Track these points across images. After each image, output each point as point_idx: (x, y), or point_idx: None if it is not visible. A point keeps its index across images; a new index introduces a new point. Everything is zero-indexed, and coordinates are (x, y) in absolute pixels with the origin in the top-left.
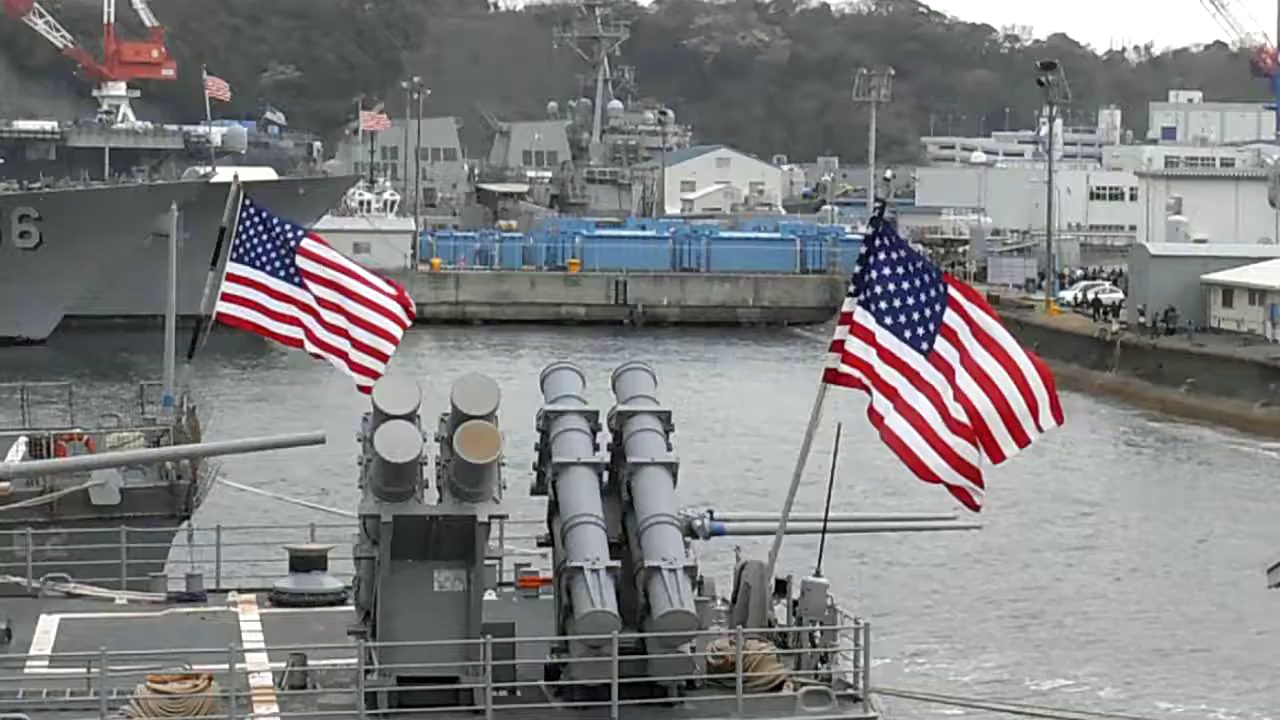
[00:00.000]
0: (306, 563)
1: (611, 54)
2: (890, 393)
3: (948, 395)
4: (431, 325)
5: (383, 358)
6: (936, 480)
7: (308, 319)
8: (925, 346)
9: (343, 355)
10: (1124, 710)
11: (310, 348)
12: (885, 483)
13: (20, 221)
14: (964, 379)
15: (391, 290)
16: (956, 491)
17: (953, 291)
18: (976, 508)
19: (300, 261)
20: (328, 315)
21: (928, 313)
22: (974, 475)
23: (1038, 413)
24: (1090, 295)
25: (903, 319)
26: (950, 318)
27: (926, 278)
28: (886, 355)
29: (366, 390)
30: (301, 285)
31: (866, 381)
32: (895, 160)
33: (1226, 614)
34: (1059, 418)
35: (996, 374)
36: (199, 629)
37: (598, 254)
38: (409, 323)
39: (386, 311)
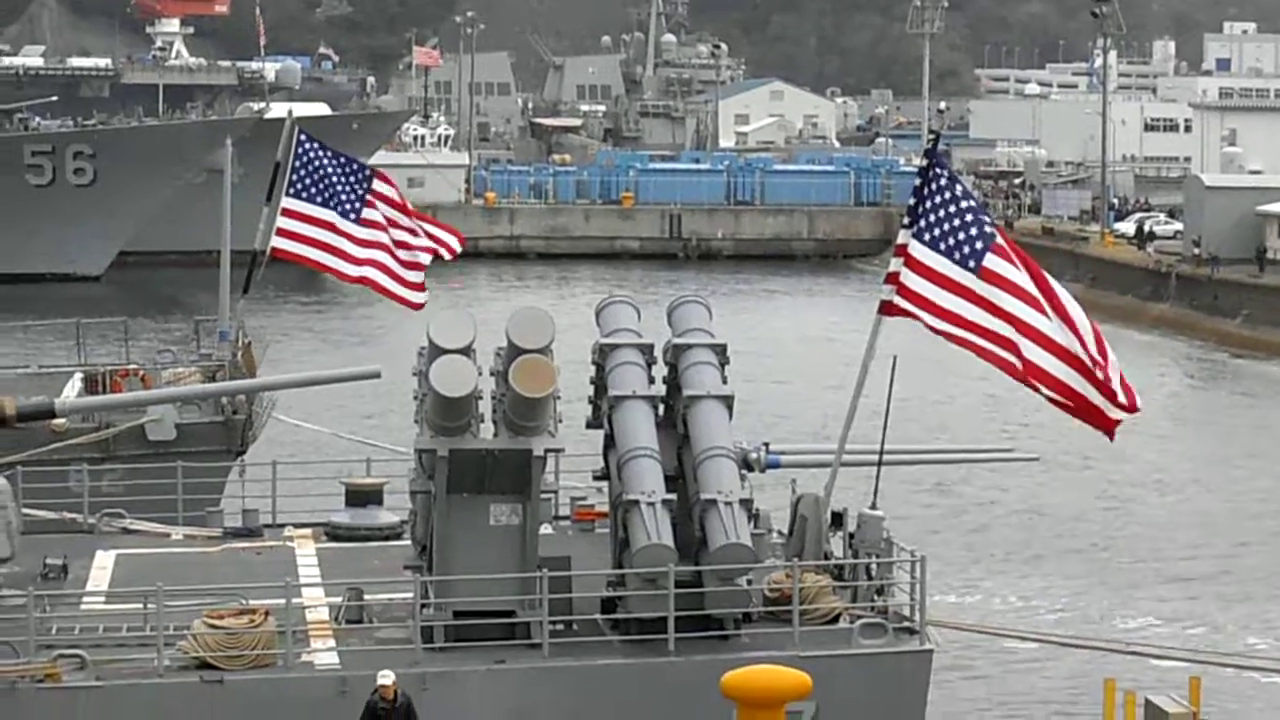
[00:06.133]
0: (362, 497)
1: None
2: (957, 320)
3: (1023, 312)
4: (486, 259)
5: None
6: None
7: (365, 252)
8: (973, 265)
9: (387, 280)
10: (1186, 645)
11: (362, 272)
12: (942, 415)
13: (75, 159)
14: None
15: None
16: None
17: (1000, 240)
18: (1112, 428)
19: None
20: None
21: (977, 231)
22: (1083, 402)
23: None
24: (1146, 226)
25: (952, 241)
26: (992, 260)
27: (978, 213)
28: (949, 284)
29: (417, 306)
30: (358, 220)
31: (924, 313)
32: (949, 93)
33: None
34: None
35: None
36: (255, 564)
37: (651, 188)
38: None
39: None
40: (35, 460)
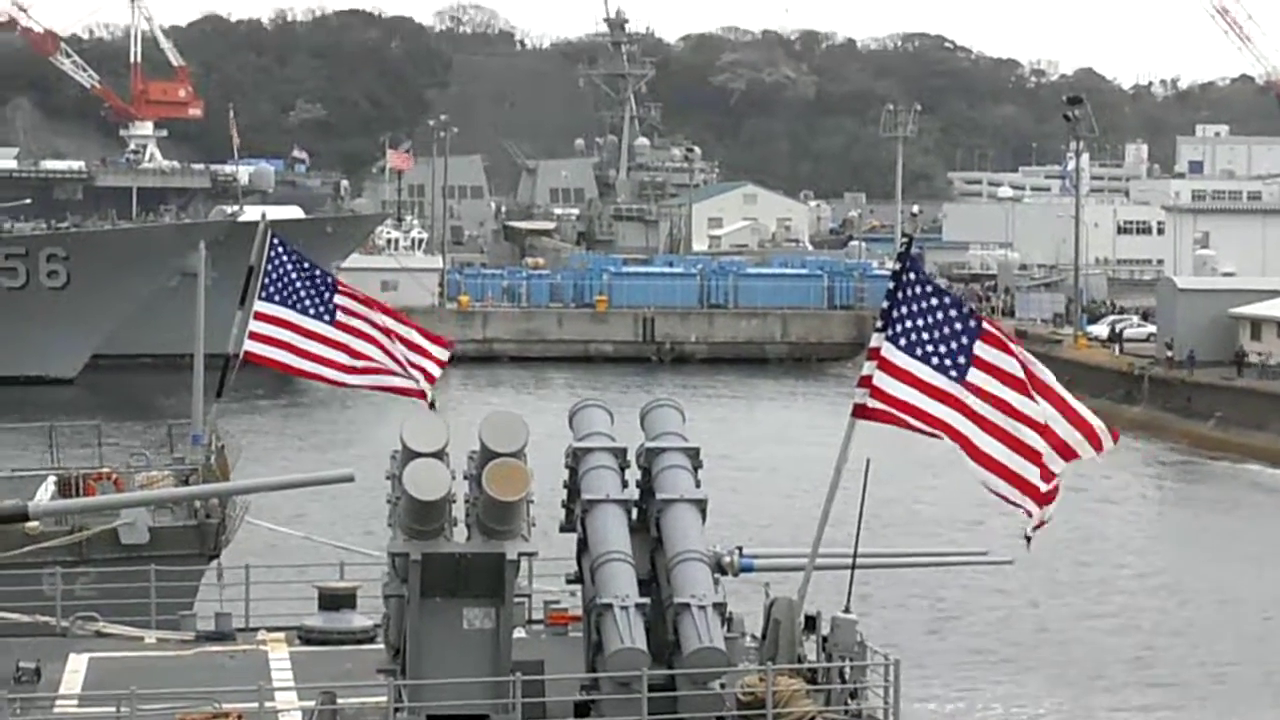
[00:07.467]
0: (336, 601)
1: (638, 91)
2: (936, 423)
3: (1000, 420)
4: (459, 363)
5: (430, 378)
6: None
7: (340, 356)
8: (955, 375)
9: (380, 387)
10: None
11: (346, 379)
12: (915, 518)
13: (48, 261)
14: (1017, 400)
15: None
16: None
17: (987, 327)
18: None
19: (339, 299)
20: (364, 347)
21: (957, 344)
22: (1037, 496)
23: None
24: (1118, 329)
25: (930, 348)
26: (981, 349)
27: (955, 312)
28: (925, 387)
29: (420, 395)
30: (332, 322)
31: (898, 415)
32: (922, 196)
33: (1267, 652)
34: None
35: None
36: (228, 668)
37: (625, 291)
38: (445, 359)
39: (423, 350)
40: (8, 563)
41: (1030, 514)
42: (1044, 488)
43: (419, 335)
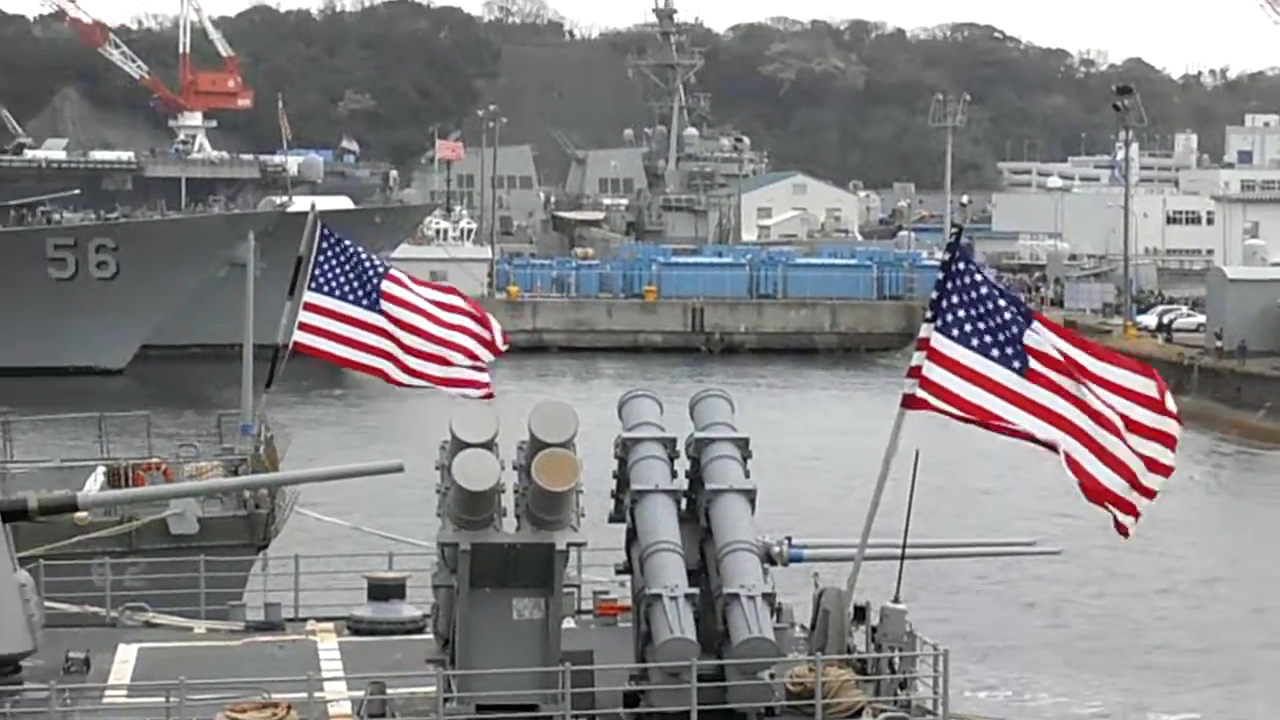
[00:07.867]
0: (385, 591)
1: (687, 81)
2: (985, 414)
3: (1069, 413)
4: (509, 353)
5: (481, 370)
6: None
7: (389, 346)
8: (1018, 365)
9: (433, 379)
10: None
11: (397, 375)
12: (965, 508)
13: (98, 252)
14: (1073, 386)
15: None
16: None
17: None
18: (1124, 531)
19: (384, 305)
20: (413, 341)
21: (1007, 334)
22: (1116, 499)
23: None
24: (1167, 319)
25: (989, 339)
26: (1032, 339)
27: (1004, 302)
28: (974, 377)
29: (484, 396)
30: (380, 313)
31: (947, 406)
32: (971, 186)
33: None
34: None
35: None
36: (277, 658)
37: (674, 281)
38: (501, 347)
39: (475, 336)
40: (57, 554)
41: (1104, 506)
42: (1108, 478)
43: (474, 323)
